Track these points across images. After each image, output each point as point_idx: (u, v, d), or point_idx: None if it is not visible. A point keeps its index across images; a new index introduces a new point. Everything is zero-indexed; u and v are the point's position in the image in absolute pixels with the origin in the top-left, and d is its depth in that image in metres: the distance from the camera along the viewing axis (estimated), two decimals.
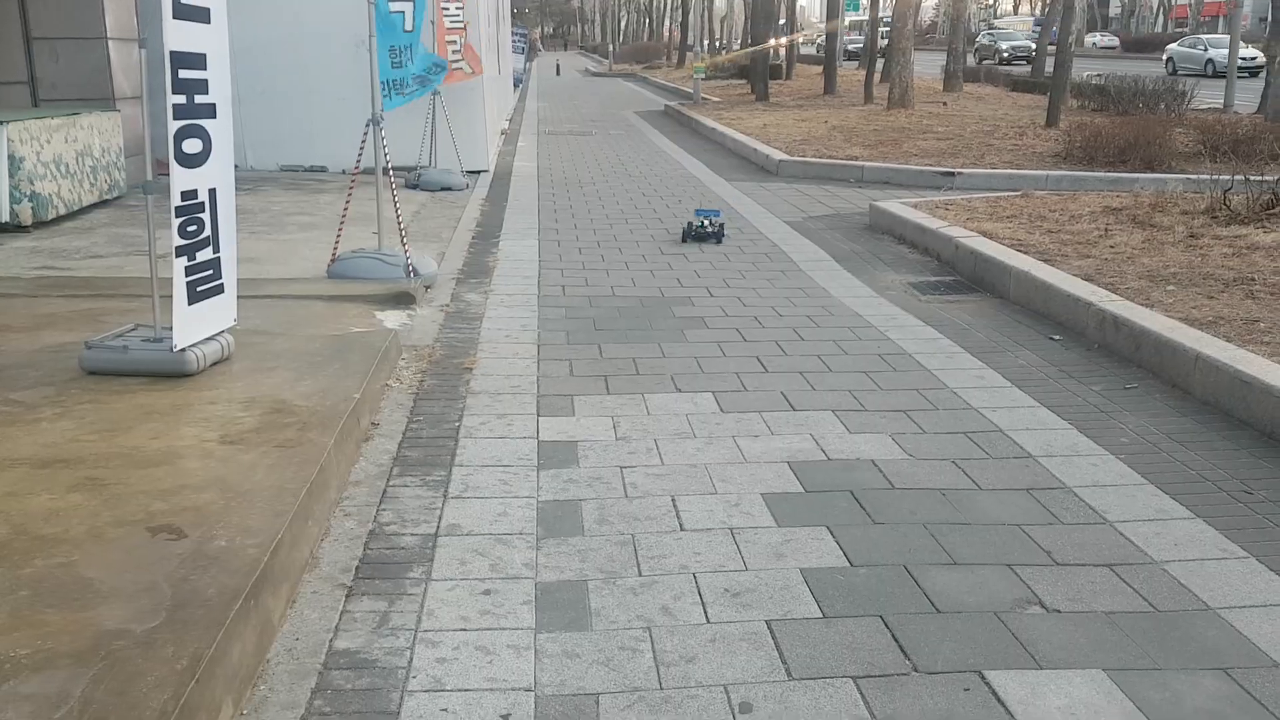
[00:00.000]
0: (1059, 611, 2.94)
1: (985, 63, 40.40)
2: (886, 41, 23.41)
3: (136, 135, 9.34)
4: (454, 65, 10.86)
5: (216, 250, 4.37)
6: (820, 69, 26.08)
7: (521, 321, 5.93)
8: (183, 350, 4.26)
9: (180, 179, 4.09)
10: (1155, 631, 2.85)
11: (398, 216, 6.74)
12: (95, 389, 4.13)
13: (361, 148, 6.78)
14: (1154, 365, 5.00)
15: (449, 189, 10.66)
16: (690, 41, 41.85)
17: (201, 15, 4.14)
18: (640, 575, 3.13)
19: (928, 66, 29.07)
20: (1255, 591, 3.05)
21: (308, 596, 2.99)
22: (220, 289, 4.44)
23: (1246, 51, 27.48)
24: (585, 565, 3.19)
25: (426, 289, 6.47)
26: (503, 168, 12.97)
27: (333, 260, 6.65)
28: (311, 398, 4.10)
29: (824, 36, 28.65)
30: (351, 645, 2.76)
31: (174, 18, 3.96)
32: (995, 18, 70.47)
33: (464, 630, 2.83)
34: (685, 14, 43.74)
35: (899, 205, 8.86)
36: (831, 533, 3.40)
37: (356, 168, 7.00)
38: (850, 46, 43.21)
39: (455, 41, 10.87)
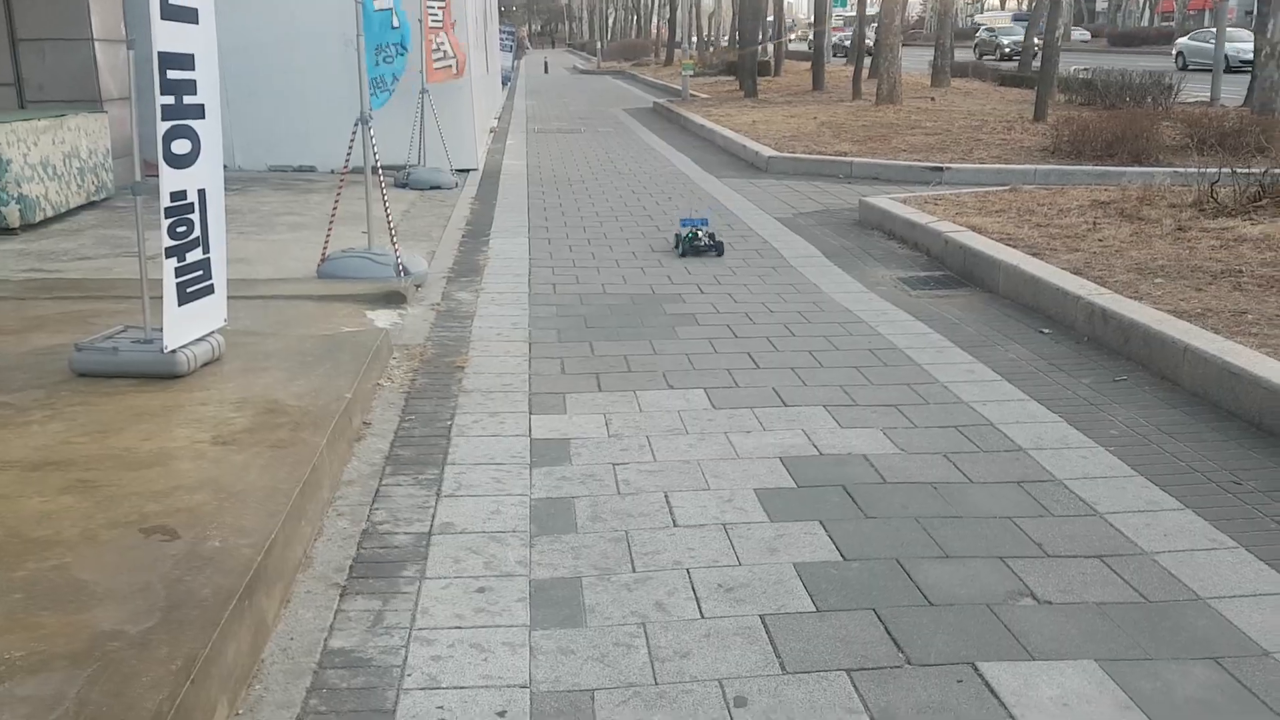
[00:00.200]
0: (1050, 603, 2.96)
1: (985, 58, 40.10)
2: (874, 39, 23.46)
3: (124, 136, 9.31)
4: (438, 65, 10.85)
5: (206, 251, 4.36)
6: (808, 65, 26.10)
7: (513, 319, 5.93)
8: (173, 351, 4.25)
9: (169, 180, 4.08)
10: (1146, 622, 2.86)
11: (387, 215, 6.74)
12: (86, 391, 4.12)
13: (350, 147, 6.78)
14: (1143, 357, 5.03)
15: (438, 187, 10.65)
16: (678, 38, 41.89)
17: (189, 16, 4.13)
18: (634, 571, 3.14)
19: (915, 62, 29.12)
20: (1245, 581, 3.07)
21: (302, 596, 3.00)
22: (210, 290, 4.43)
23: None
24: (579, 562, 3.20)
25: (417, 288, 6.47)
26: (492, 166, 12.96)
27: (323, 260, 6.64)
28: (303, 397, 4.10)
29: (813, 33, 28.69)
30: (346, 644, 2.76)
31: (162, 18, 3.95)
32: (980, 12, 70.19)
33: (459, 628, 2.83)
34: (673, 11, 43.73)
35: (888, 201, 8.88)
36: (824, 527, 3.41)
37: (345, 167, 6.99)
38: (840, 40, 43.12)
39: (436, 40, 10.86)
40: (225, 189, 4.51)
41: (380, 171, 6.76)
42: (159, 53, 3.96)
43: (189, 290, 4.27)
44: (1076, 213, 8.06)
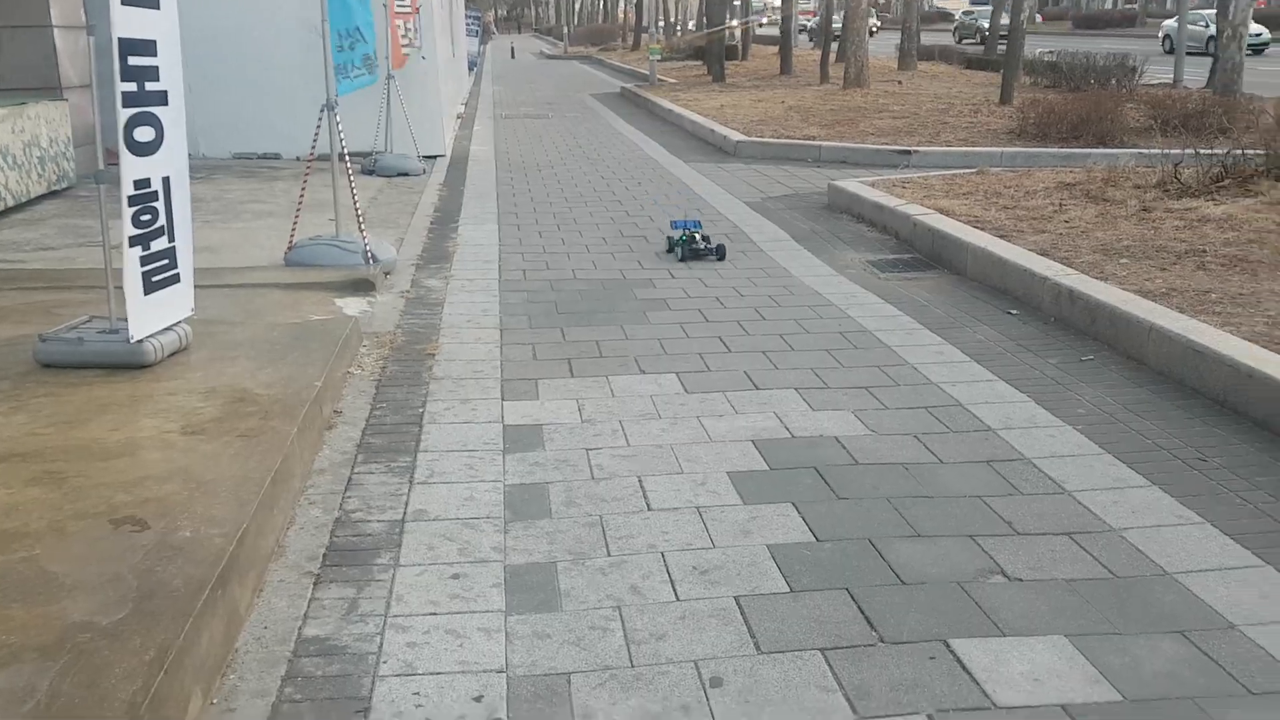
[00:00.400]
0: (1020, 580, 2.99)
1: (965, 41, 40.06)
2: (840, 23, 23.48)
3: (86, 124, 9.18)
4: (404, 48, 10.77)
5: (172, 239, 4.31)
6: (776, 49, 26.09)
7: (483, 306, 5.91)
8: (140, 341, 4.20)
9: (132, 167, 4.03)
10: (1114, 597, 2.90)
11: (355, 203, 6.69)
12: (51, 382, 4.07)
13: (316, 134, 6.72)
14: (1109, 337, 5.08)
15: (405, 174, 10.58)
16: (645, 23, 41.76)
17: (151, 1, 4.07)
18: (609, 555, 3.14)
19: (882, 45, 29.19)
20: (1210, 556, 3.12)
21: (275, 585, 2.98)
22: (176, 278, 4.38)
23: (1253, 28, 26.74)
24: (554, 547, 3.20)
25: (386, 275, 6.43)
26: (459, 152, 12.88)
27: (290, 248, 6.59)
28: (273, 386, 4.07)
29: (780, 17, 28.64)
30: (321, 632, 2.75)
31: (123, 4, 3.89)
32: None
33: (434, 614, 2.83)
34: None
35: (857, 184, 8.91)
36: (797, 509, 3.43)
37: (311, 154, 6.93)
38: (805, 22, 43.00)
39: (404, 25, 10.78)
40: (190, 177, 4.46)
41: (347, 158, 6.71)
42: (119, 39, 3.90)
43: (155, 279, 4.23)
44: (1043, 194, 8.13)
